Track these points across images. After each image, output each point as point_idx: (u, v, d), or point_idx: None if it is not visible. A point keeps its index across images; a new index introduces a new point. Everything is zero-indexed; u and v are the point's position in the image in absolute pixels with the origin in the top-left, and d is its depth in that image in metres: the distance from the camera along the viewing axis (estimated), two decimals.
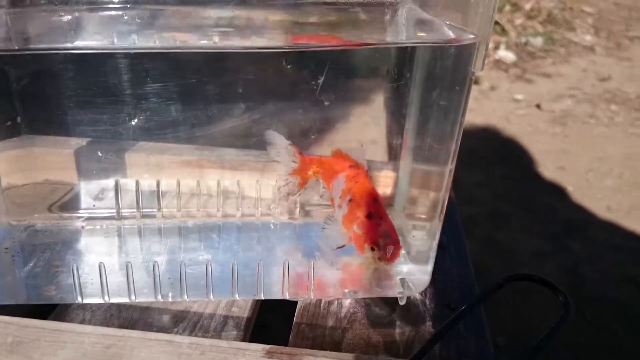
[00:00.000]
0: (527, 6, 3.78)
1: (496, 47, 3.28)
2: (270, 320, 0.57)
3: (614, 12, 3.98)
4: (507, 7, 3.74)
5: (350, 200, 0.51)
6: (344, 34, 0.50)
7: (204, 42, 0.47)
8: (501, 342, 1.25)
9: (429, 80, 0.51)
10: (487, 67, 3.04)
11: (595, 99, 2.67)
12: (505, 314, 1.28)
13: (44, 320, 0.43)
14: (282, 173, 0.57)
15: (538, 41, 3.37)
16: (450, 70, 0.47)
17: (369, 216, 0.50)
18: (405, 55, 0.54)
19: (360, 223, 0.50)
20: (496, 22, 3.54)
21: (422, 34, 0.51)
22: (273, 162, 0.57)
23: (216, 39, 0.47)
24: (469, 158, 1.96)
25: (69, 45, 0.47)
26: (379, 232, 0.50)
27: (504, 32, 3.49)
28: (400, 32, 0.51)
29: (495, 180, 1.94)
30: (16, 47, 0.48)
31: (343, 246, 0.52)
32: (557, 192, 1.90)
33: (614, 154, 2.16)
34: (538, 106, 2.58)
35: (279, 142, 0.56)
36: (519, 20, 3.63)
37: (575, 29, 3.65)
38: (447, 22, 0.47)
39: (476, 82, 2.81)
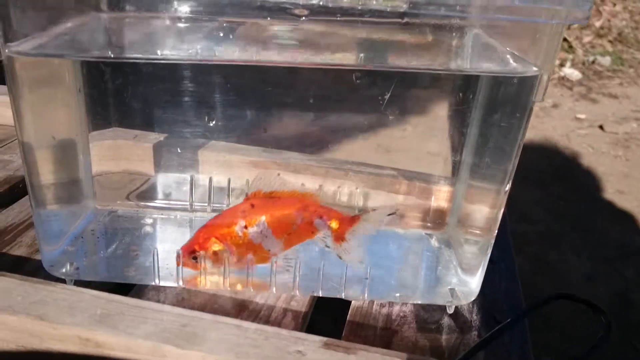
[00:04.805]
0: (597, 24, 3.70)
1: (562, 64, 3.23)
2: (319, 319, 0.60)
3: None
4: (576, 24, 3.66)
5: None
6: (412, 58, 0.53)
7: (277, 56, 0.52)
8: None
9: (490, 104, 0.54)
10: (551, 84, 2.99)
11: None
12: (551, 336, 1.28)
13: (127, 297, 0.49)
14: None
15: (606, 60, 3.30)
16: (511, 97, 0.50)
17: None
18: (470, 77, 0.57)
19: None
20: (564, 39, 3.49)
21: (488, 63, 0.53)
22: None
23: (290, 54, 0.51)
24: (525, 174, 1.95)
25: (158, 56, 0.52)
26: None
27: (571, 49, 3.43)
28: (465, 58, 0.54)
29: (551, 199, 1.92)
30: (112, 56, 0.53)
31: None
32: (614, 215, 1.87)
33: None
34: (601, 127, 2.53)
35: None
36: (587, 38, 3.56)
37: None
38: (511, 51, 0.49)
39: None
